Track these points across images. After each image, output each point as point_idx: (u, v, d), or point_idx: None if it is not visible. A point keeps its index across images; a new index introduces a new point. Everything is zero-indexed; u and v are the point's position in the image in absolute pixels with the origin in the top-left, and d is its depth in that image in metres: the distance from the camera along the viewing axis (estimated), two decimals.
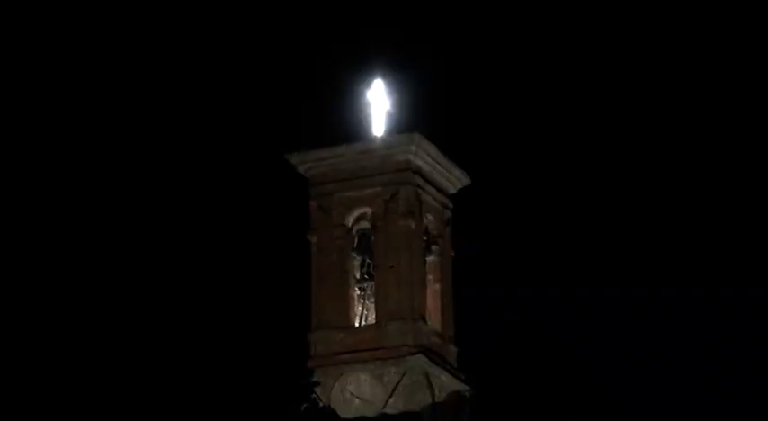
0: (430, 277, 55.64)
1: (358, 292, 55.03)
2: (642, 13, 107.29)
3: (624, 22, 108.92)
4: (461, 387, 54.70)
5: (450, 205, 58.06)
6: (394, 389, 51.38)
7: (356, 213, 55.29)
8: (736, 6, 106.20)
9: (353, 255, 55.29)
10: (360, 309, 54.84)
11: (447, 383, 53.58)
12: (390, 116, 56.90)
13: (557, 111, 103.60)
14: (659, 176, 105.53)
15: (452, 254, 57.70)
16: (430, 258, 55.79)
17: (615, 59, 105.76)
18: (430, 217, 55.85)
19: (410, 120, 57.16)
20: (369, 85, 57.58)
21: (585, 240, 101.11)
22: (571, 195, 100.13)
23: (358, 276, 55.24)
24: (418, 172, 54.81)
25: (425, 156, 55.12)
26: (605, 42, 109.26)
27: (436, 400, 52.30)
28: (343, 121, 58.15)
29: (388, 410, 50.19)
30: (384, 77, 57.86)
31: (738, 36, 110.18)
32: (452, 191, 57.89)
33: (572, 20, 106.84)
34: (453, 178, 57.55)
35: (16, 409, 33.27)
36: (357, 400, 49.48)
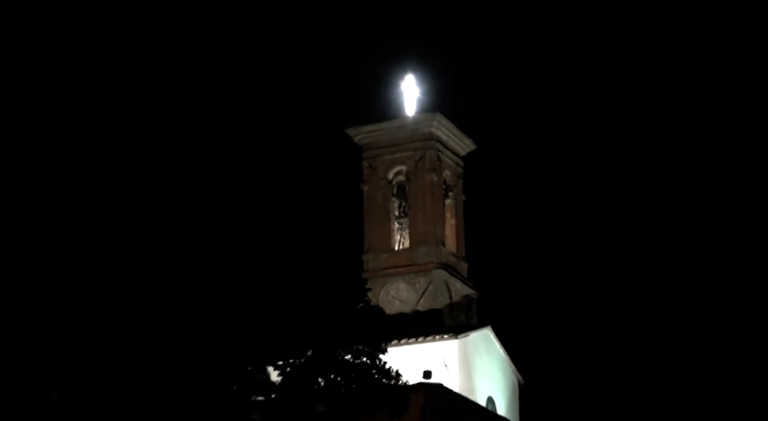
0: (447, 214, 59.14)
1: (396, 226, 58.62)
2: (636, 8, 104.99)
3: (623, 17, 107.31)
4: (470, 291, 58.28)
5: (462, 164, 61.20)
6: (423, 293, 55.53)
7: (395, 170, 58.95)
8: (740, 6, 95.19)
9: (393, 199, 58.89)
10: (398, 237, 58.44)
11: (460, 289, 57.30)
12: (419, 100, 60.30)
13: (541, 102, 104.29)
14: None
15: (463, 198, 60.95)
16: (447, 201, 59.14)
17: (614, 55, 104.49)
18: (447, 172, 59.35)
19: (433, 103, 60.27)
20: (403, 78, 61.09)
21: (566, 186, 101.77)
22: (556, 157, 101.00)
23: (396, 214, 58.79)
24: (438, 140, 58.54)
25: (443, 129, 58.84)
26: (600, 42, 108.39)
27: (453, 301, 56.22)
28: (385, 104, 60.92)
29: (419, 308, 54.21)
30: (414, 73, 61.31)
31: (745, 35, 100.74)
32: (463, 153, 60.93)
33: (567, 21, 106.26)
34: (464, 145, 60.75)
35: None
36: (397, 301, 53.44)
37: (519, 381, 57.76)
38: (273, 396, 30.49)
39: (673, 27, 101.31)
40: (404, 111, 60.09)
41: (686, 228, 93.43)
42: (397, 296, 54.08)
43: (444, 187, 59.05)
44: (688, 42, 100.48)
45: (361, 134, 59.45)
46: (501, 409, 53.74)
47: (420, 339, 49.15)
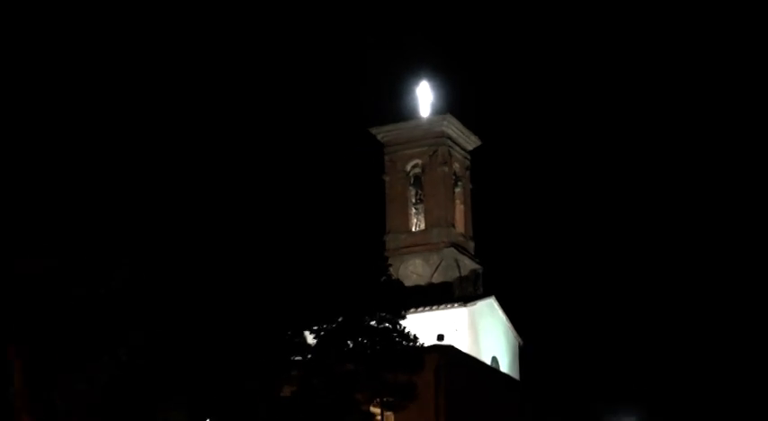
0: (457, 201, 59.10)
1: (413, 211, 58.67)
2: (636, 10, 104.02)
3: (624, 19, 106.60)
4: (477, 266, 58.22)
5: (469, 157, 61.10)
6: (436, 269, 55.62)
7: (412, 163, 59.02)
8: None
9: (410, 188, 58.92)
10: (414, 220, 58.47)
11: (468, 264, 57.38)
12: (431, 103, 60.34)
13: (539, 103, 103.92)
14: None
15: (470, 187, 60.85)
16: (457, 190, 59.13)
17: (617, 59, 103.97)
18: (456, 165, 59.34)
19: (444, 105, 60.11)
20: (418, 84, 61.00)
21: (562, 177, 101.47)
22: (552, 151, 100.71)
23: (413, 201, 58.76)
24: (449, 138, 58.58)
25: (453, 128, 58.85)
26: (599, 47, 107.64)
27: (462, 275, 56.38)
28: (402, 107, 60.89)
29: (433, 281, 54.31)
30: (428, 79, 61.27)
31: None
32: (470, 149, 60.77)
33: (563, 31, 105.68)
34: (471, 141, 60.61)
35: None
36: (414, 275, 53.35)
37: (519, 343, 57.92)
38: (309, 356, 30.72)
39: (660, 31, 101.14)
40: (419, 113, 60.14)
41: (676, 207, 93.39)
42: (413, 271, 54.10)
43: (454, 177, 59.14)
44: (673, 47, 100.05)
45: (382, 132, 59.55)
46: (504, 367, 53.86)
47: (434, 308, 49.20)
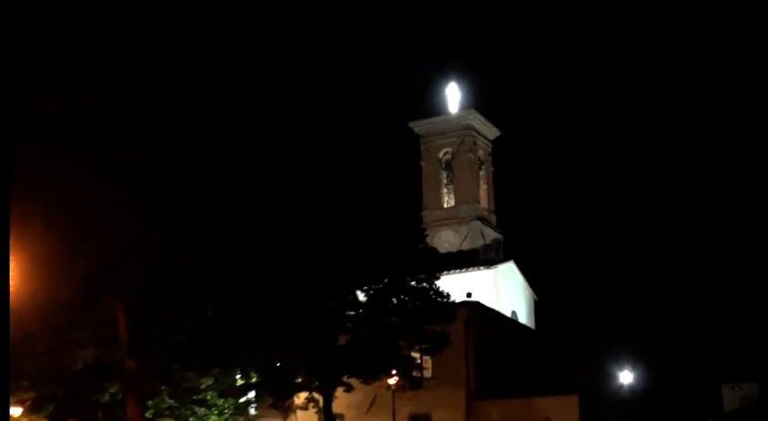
0: (481, 181, 58.99)
1: (445, 190, 58.67)
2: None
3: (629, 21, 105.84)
4: (498, 236, 58.01)
5: (491, 145, 60.88)
6: (464, 238, 55.58)
7: (443, 151, 58.99)
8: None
9: (442, 172, 58.95)
10: (446, 198, 58.52)
11: (491, 234, 57.23)
12: (459, 101, 60.35)
13: (549, 99, 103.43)
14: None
15: (492, 169, 60.66)
16: (481, 172, 59.04)
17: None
18: (480, 152, 59.17)
19: (469, 102, 60.14)
20: (448, 85, 61.00)
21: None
22: (560, 140, 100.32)
23: (445, 182, 58.73)
24: (474, 129, 58.44)
25: (477, 121, 58.71)
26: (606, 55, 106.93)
27: (486, 243, 56.33)
28: (436, 105, 61.10)
29: (462, 248, 54.28)
30: (456, 80, 61.23)
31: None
32: (492, 138, 60.51)
33: (568, 33, 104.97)
34: (492, 131, 60.32)
35: None
36: (446, 244, 53.30)
37: (534, 299, 57.89)
38: (361, 311, 30.85)
39: (657, 35, 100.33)
40: (448, 109, 60.24)
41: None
42: (445, 240, 54.04)
43: (478, 162, 59.12)
44: (673, 57, 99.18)
45: (419, 126, 59.66)
46: (522, 319, 53.91)
47: (463, 270, 49.23)
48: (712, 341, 55.42)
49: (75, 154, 16.78)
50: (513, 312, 52.61)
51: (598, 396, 40.79)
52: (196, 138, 20.36)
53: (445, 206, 58.38)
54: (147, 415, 26.01)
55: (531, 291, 57.41)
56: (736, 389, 32.91)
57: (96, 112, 14.26)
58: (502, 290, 51.87)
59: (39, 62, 11.83)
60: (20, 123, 13.48)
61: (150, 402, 28.46)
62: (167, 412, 30.73)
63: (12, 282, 13.78)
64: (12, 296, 15.09)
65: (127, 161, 18.61)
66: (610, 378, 45.49)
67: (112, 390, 27.86)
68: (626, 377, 45.14)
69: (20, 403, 30.04)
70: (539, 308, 58.09)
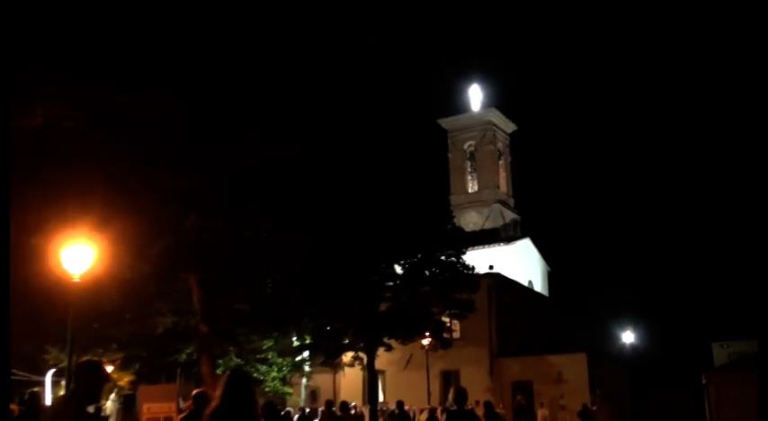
0: (500, 169, 58.91)
1: (469, 178, 58.68)
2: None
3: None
4: (516, 216, 58.02)
5: (509, 138, 60.81)
6: (486, 218, 55.50)
7: (467, 143, 58.90)
8: None
9: (467, 161, 58.94)
10: (470, 184, 58.56)
11: (509, 215, 57.13)
12: (481, 100, 60.28)
13: (558, 98, 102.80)
14: None
15: (510, 159, 60.54)
16: (500, 161, 58.95)
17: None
18: (499, 144, 59.05)
19: (489, 101, 60.26)
20: (471, 86, 61.00)
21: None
22: (568, 134, 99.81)
23: (469, 170, 58.79)
24: (493, 125, 58.34)
25: (496, 118, 58.58)
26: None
27: (505, 222, 56.19)
28: (460, 104, 61.24)
29: (484, 227, 54.23)
30: (478, 83, 61.21)
31: None
32: (509, 132, 60.44)
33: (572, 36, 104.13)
34: (509, 126, 60.22)
35: None
36: (470, 223, 53.27)
37: (547, 270, 57.77)
38: (398, 282, 30.90)
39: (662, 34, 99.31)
40: (471, 107, 60.30)
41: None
42: (470, 220, 54.05)
43: (498, 153, 59.09)
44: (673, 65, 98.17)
45: (446, 122, 59.90)
46: (537, 288, 53.77)
47: (485, 246, 49.12)
48: (704, 305, 55.41)
49: (149, 150, 16.86)
50: (530, 282, 52.52)
51: (603, 353, 40.80)
52: (248, 133, 20.04)
53: (470, 191, 58.56)
54: (218, 372, 26.22)
55: (544, 263, 57.40)
56: (724, 346, 32.68)
57: (168, 111, 14.16)
58: (519, 263, 51.78)
59: (105, 57, 11.40)
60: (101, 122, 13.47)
61: (220, 361, 28.85)
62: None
63: (101, 262, 14.06)
64: (102, 273, 15.40)
65: (195, 156, 18.66)
66: (614, 338, 45.56)
67: (188, 351, 28.37)
68: (628, 337, 45.19)
69: (110, 363, 30.60)
70: (552, 278, 58.12)
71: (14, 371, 29.58)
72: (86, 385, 5.22)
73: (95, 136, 14.25)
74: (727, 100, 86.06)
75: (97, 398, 5.49)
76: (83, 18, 11.20)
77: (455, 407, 8.84)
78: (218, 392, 5.25)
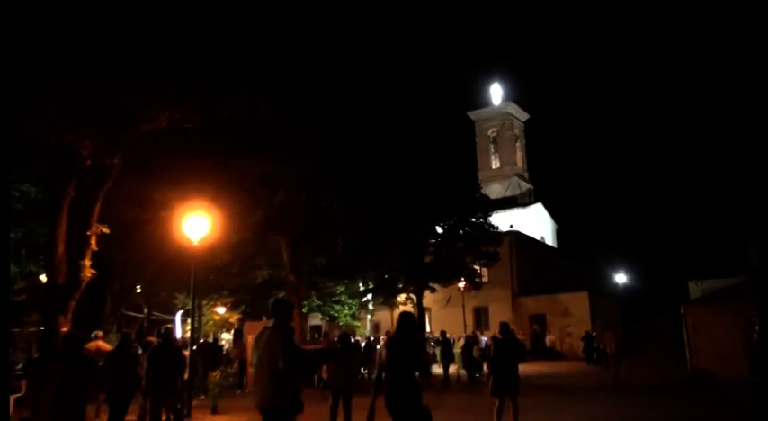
0: (517, 150, 58.14)
1: (492, 157, 57.99)
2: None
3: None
4: (530, 187, 57.29)
5: (523, 125, 59.71)
6: (506, 189, 55.00)
7: (490, 130, 58.09)
8: None
9: (490, 145, 58.26)
10: (493, 162, 57.99)
11: (525, 185, 56.43)
12: (501, 96, 59.45)
13: (563, 91, 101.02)
14: None
15: (525, 142, 59.63)
16: (517, 144, 58.05)
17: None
18: (516, 130, 58.09)
19: (508, 96, 59.45)
20: (492, 85, 60.25)
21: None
22: (571, 121, 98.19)
23: (492, 151, 58.12)
24: (511, 115, 57.39)
25: (513, 109, 57.62)
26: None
27: (521, 192, 55.61)
28: (483, 100, 60.63)
29: (505, 195, 53.72)
30: (498, 82, 60.38)
31: None
32: (524, 120, 59.30)
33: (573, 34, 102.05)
34: (523, 115, 59.12)
35: None
36: (494, 193, 52.60)
37: (556, 228, 57.05)
38: (439, 239, 30.92)
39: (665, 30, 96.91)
40: (493, 101, 59.51)
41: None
42: (494, 190, 53.24)
43: (515, 137, 58.14)
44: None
45: (474, 114, 59.29)
46: (548, 242, 53.10)
47: (506, 210, 48.59)
48: (681, 250, 55.09)
49: (247, 142, 16.95)
50: (542, 237, 51.92)
51: (601, 291, 40.32)
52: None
53: (493, 167, 57.92)
54: (303, 311, 26.64)
55: (553, 222, 56.70)
56: (698, 284, 32.00)
57: (261, 111, 14.20)
58: (533, 222, 51.29)
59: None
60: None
61: (305, 302, 29.27)
62: (316, 308, 31.58)
63: (214, 229, 14.24)
64: (213, 239, 15.61)
65: (282, 146, 18.66)
66: (609, 279, 44.95)
67: (280, 295, 28.76)
68: (620, 278, 44.52)
69: (224, 305, 31.35)
70: (559, 233, 57.43)
71: (153, 312, 30.70)
72: (283, 317, 5.68)
73: (207, 133, 14.42)
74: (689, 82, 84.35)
75: (288, 324, 5.87)
76: (193, 39, 11.26)
77: (501, 337, 9.77)
78: (394, 328, 6.26)
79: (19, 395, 13.83)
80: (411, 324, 6.29)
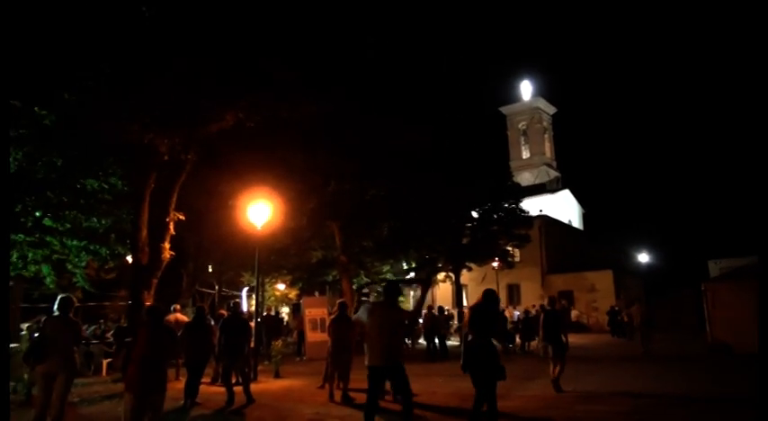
0: (546, 141, 57.24)
1: (523, 148, 57.31)
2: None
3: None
4: (558, 174, 56.24)
5: (551, 118, 58.77)
6: (536, 177, 54.22)
7: (521, 123, 57.30)
8: None
9: (521, 137, 57.49)
10: (524, 152, 57.23)
11: (553, 173, 55.49)
12: (530, 92, 58.40)
13: (586, 88, 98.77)
14: None
15: (552, 133, 58.57)
16: (545, 135, 57.16)
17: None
18: (544, 122, 57.14)
19: (537, 92, 58.46)
20: (522, 82, 59.24)
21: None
22: (594, 114, 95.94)
23: (522, 143, 57.41)
24: (540, 109, 56.45)
25: (541, 103, 56.67)
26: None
27: (550, 179, 54.65)
28: (514, 95, 59.69)
29: (535, 183, 52.91)
30: (528, 79, 59.33)
31: None
32: (551, 113, 58.41)
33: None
34: (551, 109, 58.16)
35: None
36: (525, 180, 51.85)
37: (582, 212, 56.00)
38: (475, 223, 30.71)
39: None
40: (523, 97, 58.51)
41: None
42: (525, 178, 52.57)
43: (543, 129, 57.30)
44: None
45: (505, 109, 58.73)
46: (575, 224, 52.22)
47: (536, 196, 47.95)
48: (701, 231, 54.34)
49: (304, 139, 17.10)
50: (569, 220, 51.09)
51: (625, 269, 39.54)
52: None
53: (523, 158, 57.29)
54: (353, 287, 26.64)
55: (580, 206, 55.67)
56: (717, 262, 30.93)
57: (314, 113, 14.29)
58: (561, 207, 50.50)
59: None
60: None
61: (354, 280, 29.34)
62: (365, 285, 31.71)
63: (275, 216, 14.42)
64: (274, 224, 15.81)
65: (331, 144, 18.69)
66: (633, 258, 44.01)
67: (333, 274, 28.95)
68: (643, 257, 43.52)
69: (283, 282, 31.80)
70: (585, 217, 56.38)
71: (223, 288, 31.34)
72: (394, 296, 6.56)
73: (268, 132, 14.59)
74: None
75: (396, 303, 6.66)
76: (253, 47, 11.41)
77: (549, 308, 10.25)
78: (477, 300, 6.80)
79: (110, 360, 14.53)
80: (494, 298, 6.87)
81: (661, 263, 46.78)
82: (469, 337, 6.59)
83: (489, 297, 6.82)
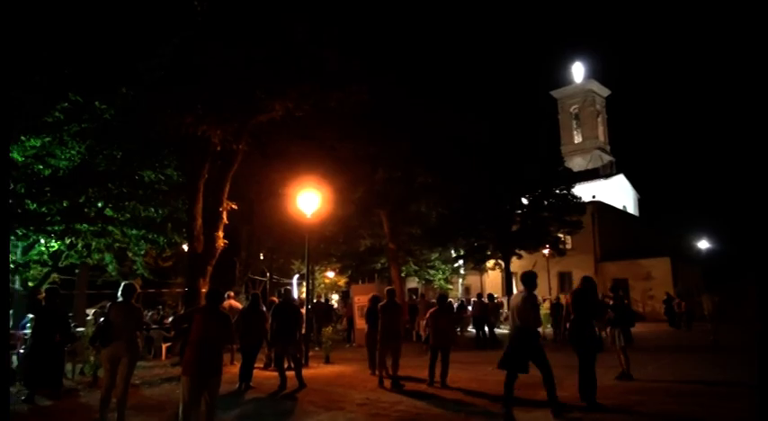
0: (599, 124, 55.79)
1: (575, 132, 56.03)
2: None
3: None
4: (611, 159, 54.81)
5: (605, 101, 57.21)
6: (588, 161, 52.91)
7: (573, 107, 56.03)
8: None
9: (573, 120, 56.20)
10: (576, 137, 55.92)
11: (606, 158, 54.11)
12: (582, 74, 56.91)
13: (639, 69, 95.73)
14: None
15: (606, 116, 56.97)
16: (598, 119, 55.71)
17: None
18: (597, 105, 55.68)
19: (589, 74, 56.92)
20: (574, 64, 57.78)
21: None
22: (646, 95, 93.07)
23: (575, 127, 56.12)
24: (593, 91, 54.97)
25: (594, 86, 55.17)
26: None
27: (603, 164, 53.24)
28: (564, 78, 58.31)
29: (587, 168, 51.63)
30: (580, 61, 57.81)
31: None
32: (605, 96, 56.90)
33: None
34: (604, 91, 56.64)
35: None
36: (577, 166, 50.74)
37: (638, 197, 54.48)
38: (525, 210, 30.29)
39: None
40: (575, 79, 57.09)
41: None
42: (576, 163, 51.55)
43: (596, 112, 55.85)
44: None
45: (557, 92, 57.55)
46: (630, 210, 50.87)
47: (589, 181, 46.94)
48: (762, 215, 51.92)
49: (353, 128, 17.21)
50: (624, 206, 49.81)
51: (684, 257, 38.26)
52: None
53: (575, 142, 56.00)
54: (402, 275, 26.73)
55: (635, 192, 54.15)
56: None
57: (362, 103, 14.35)
58: (615, 192, 49.28)
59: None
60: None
61: (403, 268, 29.47)
62: (413, 273, 31.80)
63: (324, 204, 14.59)
64: (323, 212, 16.05)
65: (381, 132, 18.73)
66: (692, 244, 42.63)
67: (382, 262, 29.18)
68: (703, 244, 42.11)
69: (333, 269, 32.23)
70: (641, 202, 54.84)
71: (274, 276, 31.93)
72: (532, 285, 7.06)
73: (317, 121, 14.74)
74: None
75: (533, 291, 7.10)
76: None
77: (614, 297, 10.58)
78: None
79: (169, 345, 15.06)
80: (592, 285, 7.88)
81: (723, 249, 45.01)
82: (572, 317, 7.68)
83: (588, 283, 7.86)
